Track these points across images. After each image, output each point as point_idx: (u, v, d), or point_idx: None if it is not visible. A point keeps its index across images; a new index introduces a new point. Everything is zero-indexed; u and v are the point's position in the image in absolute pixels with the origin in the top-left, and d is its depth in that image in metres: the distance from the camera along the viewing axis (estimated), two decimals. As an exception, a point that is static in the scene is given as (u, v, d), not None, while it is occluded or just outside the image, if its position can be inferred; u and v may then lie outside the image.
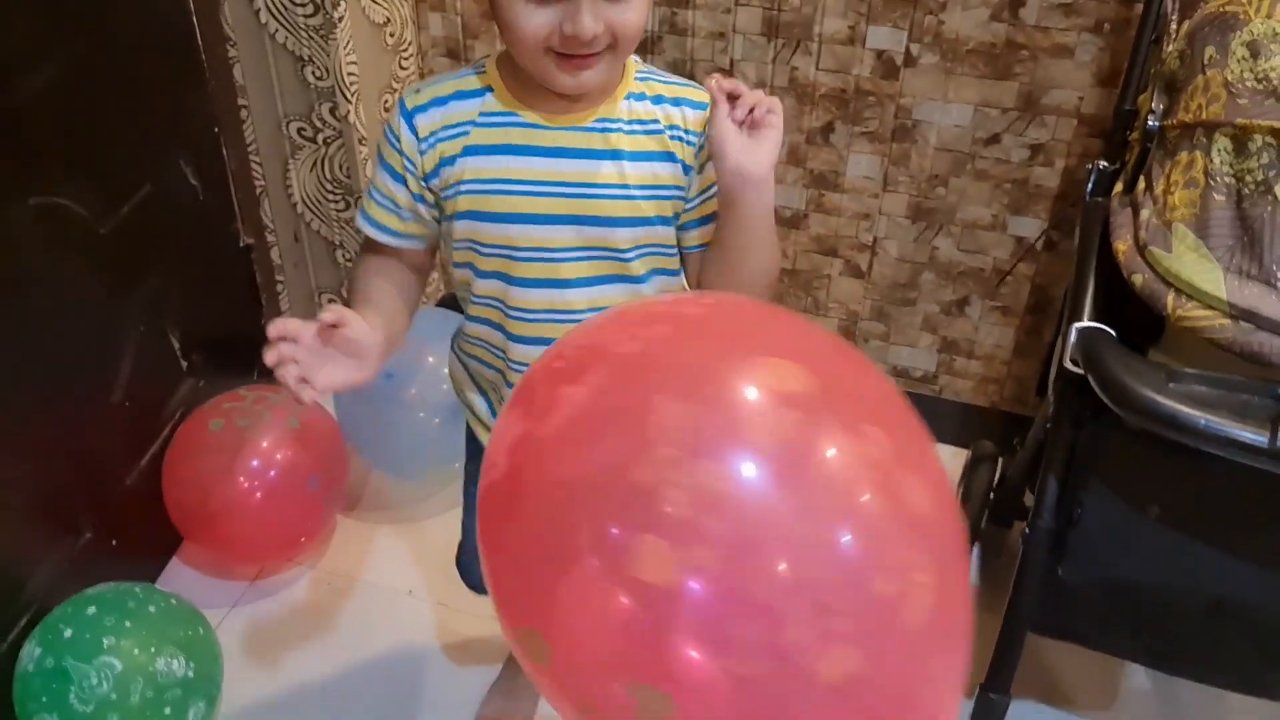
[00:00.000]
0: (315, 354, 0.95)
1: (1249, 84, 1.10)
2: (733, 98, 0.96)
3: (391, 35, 1.80)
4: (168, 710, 1.38)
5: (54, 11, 1.40)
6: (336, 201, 1.85)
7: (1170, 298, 1.14)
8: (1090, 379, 1.13)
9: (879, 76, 1.69)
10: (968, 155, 1.71)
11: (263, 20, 1.67)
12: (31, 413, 1.47)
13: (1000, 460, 1.78)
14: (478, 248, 1.06)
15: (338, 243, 1.90)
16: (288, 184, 1.86)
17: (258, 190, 1.87)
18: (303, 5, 1.63)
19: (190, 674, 1.41)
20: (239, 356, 1.93)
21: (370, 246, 1.13)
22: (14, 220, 1.38)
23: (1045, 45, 1.59)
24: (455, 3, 1.83)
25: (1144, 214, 1.21)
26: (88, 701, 1.33)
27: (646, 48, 1.77)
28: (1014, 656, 1.31)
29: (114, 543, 1.63)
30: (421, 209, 1.07)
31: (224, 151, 1.75)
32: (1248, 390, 1.08)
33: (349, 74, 1.69)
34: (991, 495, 1.73)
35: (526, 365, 1.04)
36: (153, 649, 1.39)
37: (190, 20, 1.62)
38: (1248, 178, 1.09)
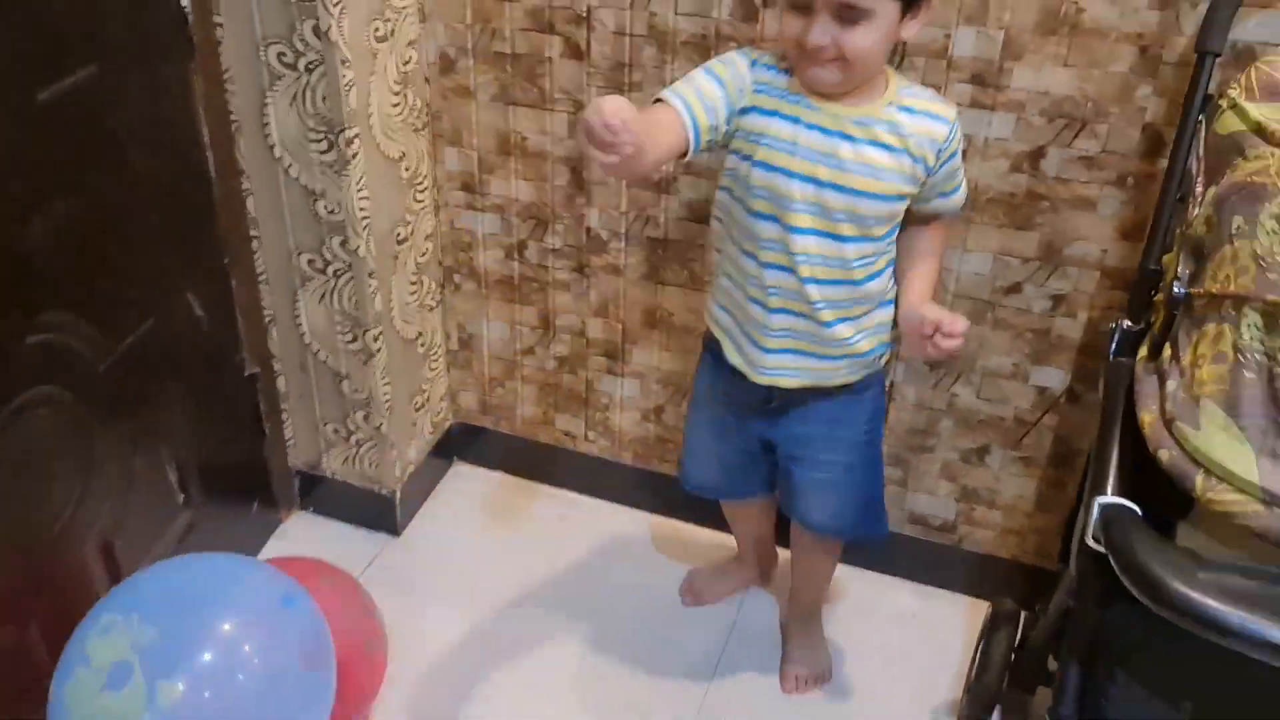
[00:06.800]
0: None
1: (1279, 258, 1.05)
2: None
3: (407, 169, 1.79)
4: None
5: (77, 148, 1.40)
6: (345, 334, 1.82)
7: (1199, 478, 1.08)
8: (1114, 564, 1.06)
9: (897, 222, 1.65)
10: (988, 303, 1.67)
11: (277, 155, 1.67)
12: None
13: (1022, 617, 1.69)
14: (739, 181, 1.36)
15: (344, 374, 1.87)
16: (296, 314, 1.84)
17: (266, 319, 1.85)
18: (317, 141, 1.63)
19: None
20: (238, 484, 1.90)
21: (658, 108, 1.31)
22: (11, 357, 1.36)
23: (1067, 197, 1.55)
24: (471, 139, 1.83)
25: (1170, 385, 1.15)
26: None
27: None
28: None
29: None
30: (722, 112, 1.31)
31: (231, 282, 1.74)
32: (1286, 584, 1.02)
33: (361, 209, 1.68)
34: (1013, 657, 1.64)
35: (776, 288, 1.38)
36: None
37: (205, 155, 1.62)
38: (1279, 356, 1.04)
